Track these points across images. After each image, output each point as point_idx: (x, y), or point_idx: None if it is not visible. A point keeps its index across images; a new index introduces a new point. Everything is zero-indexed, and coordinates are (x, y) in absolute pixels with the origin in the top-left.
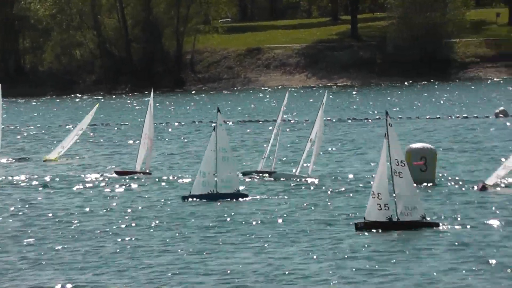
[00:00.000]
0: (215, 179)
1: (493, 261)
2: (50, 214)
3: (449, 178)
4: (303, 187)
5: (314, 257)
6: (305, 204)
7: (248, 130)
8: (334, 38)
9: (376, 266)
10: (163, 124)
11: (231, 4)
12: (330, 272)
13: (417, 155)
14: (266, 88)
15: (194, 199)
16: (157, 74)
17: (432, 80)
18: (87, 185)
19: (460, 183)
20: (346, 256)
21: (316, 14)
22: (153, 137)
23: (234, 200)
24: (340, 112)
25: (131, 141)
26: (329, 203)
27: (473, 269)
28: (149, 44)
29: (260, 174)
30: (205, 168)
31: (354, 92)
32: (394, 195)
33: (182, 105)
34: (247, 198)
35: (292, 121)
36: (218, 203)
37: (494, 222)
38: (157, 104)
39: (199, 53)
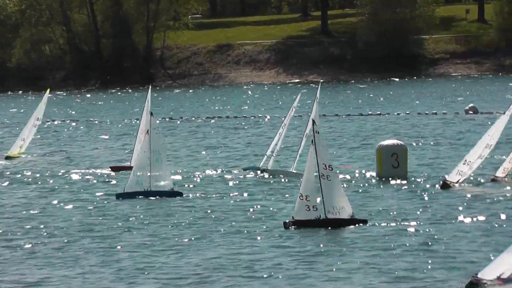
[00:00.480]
0: (149, 178)
1: (416, 260)
2: (38, 211)
3: (420, 174)
4: (255, 184)
5: (235, 255)
6: (245, 202)
7: (227, 126)
8: (305, 34)
9: (302, 263)
10: (134, 120)
11: (201, 0)
12: (248, 270)
13: (388, 152)
14: (240, 84)
15: (128, 196)
16: (126, 70)
17: (402, 77)
18: (78, 181)
19: (429, 179)
20: (270, 254)
21: (286, 10)
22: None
23: (168, 198)
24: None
25: (93, 137)
26: (270, 200)
27: (392, 267)
28: (119, 40)
29: (259, 171)
30: (138, 169)
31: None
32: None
33: (155, 101)
34: (182, 196)
35: (268, 117)
36: (151, 200)
37: (437, 220)
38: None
39: (169, 49)
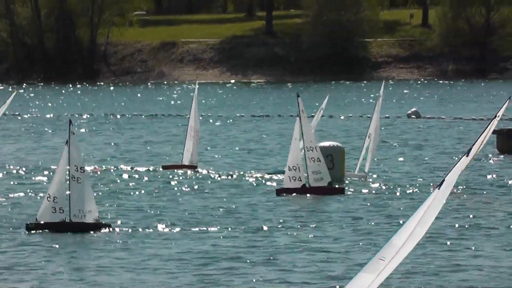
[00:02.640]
0: None
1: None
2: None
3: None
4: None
5: None
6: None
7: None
8: (249, 34)
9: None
10: (77, 115)
11: None
12: None
13: (324, 152)
14: (183, 82)
15: None
16: (70, 65)
17: (345, 79)
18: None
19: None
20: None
21: (231, 9)
22: (199, 129)
23: None
24: (254, 109)
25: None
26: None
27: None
28: (63, 34)
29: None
30: None
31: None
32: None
33: (97, 97)
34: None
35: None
36: None
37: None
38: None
39: (113, 45)
